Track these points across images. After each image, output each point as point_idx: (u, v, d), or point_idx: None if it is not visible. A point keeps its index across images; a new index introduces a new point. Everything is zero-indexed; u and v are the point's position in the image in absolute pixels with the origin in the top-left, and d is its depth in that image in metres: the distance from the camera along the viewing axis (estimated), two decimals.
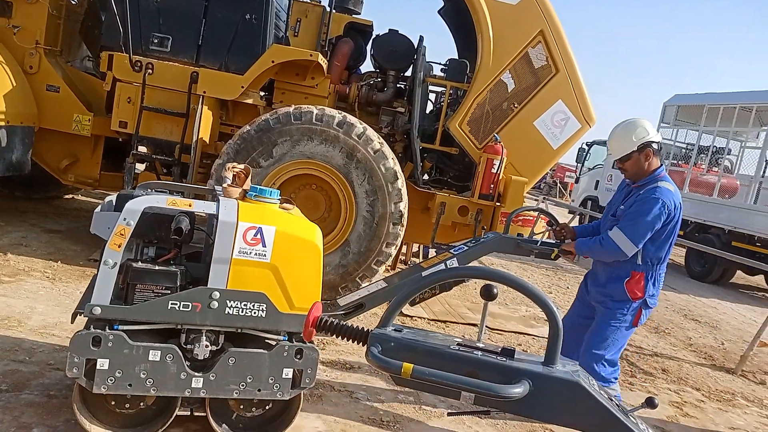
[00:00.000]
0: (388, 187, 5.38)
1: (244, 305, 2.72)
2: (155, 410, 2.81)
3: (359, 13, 7.02)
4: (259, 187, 2.98)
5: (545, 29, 6.06)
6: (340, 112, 5.54)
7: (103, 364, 2.59)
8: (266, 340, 2.82)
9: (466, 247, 3.94)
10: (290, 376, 2.82)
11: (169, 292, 2.67)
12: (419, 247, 8.09)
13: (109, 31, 5.68)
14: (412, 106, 6.18)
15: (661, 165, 3.58)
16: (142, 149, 5.73)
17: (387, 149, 5.52)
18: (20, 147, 5.65)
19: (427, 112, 6.76)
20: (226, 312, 2.70)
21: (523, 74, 6.16)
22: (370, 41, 6.73)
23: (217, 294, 2.68)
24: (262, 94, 6.06)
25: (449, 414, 2.55)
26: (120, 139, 6.00)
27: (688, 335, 7.32)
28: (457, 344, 1.80)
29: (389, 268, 6.75)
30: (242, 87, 5.66)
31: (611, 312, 3.59)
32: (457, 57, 6.89)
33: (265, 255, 2.72)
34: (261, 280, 2.74)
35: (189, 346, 2.72)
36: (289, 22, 6.52)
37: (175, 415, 2.78)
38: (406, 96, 6.56)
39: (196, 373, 2.70)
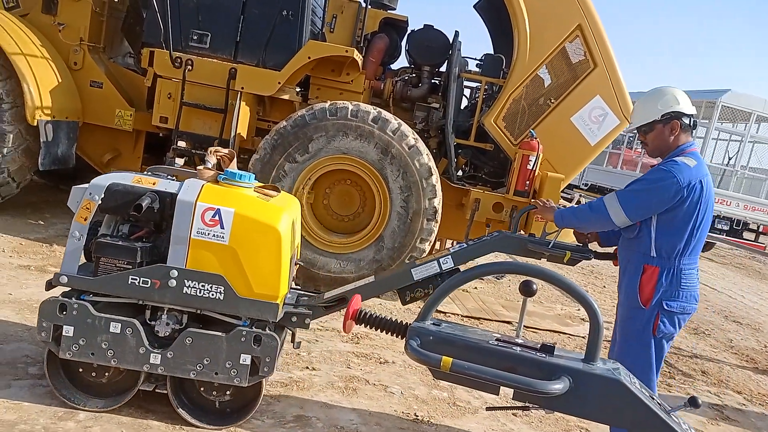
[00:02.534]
0: (423, 183, 5.38)
1: (202, 286, 2.76)
2: (119, 382, 2.93)
3: (394, 9, 7.02)
4: (234, 171, 2.99)
5: (583, 23, 5.96)
6: (375, 107, 5.56)
7: (68, 331, 2.74)
8: (225, 324, 2.85)
9: (464, 245, 3.67)
10: (248, 362, 2.82)
11: (130, 267, 2.76)
12: (453, 243, 8.06)
13: (150, 28, 5.80)
14: (446, 101, 6.15)
15: (692, 142, 3.10)
16: (182, 144, 5.84)
17: (421, 145, 5.52)
18: (65, 141, 5.82)
19: (462, 107, 6.73)
20: (184, 291, 2.75)
21: (560, 69, 6.08)
22: (405, 37, 6.74)
23: (175, 272, 2.74)
24: (298, 89, 6.12)
25: (487, 409, 2.53)
26: (160, 134, 6.12)
27: (729, 337, 7.14)
28: (496, 339, 1.80)
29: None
30: (279, 83, 5.72)
31: (622, 328, 3.12)
32: (492, 52, 6.83)
33: (223, 237, 2.75)
34: (219, 262, 2.76)
35: (152, 323, 2.83)
36: (325, 18, 6.55)
37: (137, 389, 2.88)
38: (440, 91, 6.54)
39: (154, 350, 2.79)
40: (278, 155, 5.36)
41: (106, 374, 2.89)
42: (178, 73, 5.67)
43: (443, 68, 6.61)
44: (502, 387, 1.68)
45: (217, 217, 2.74)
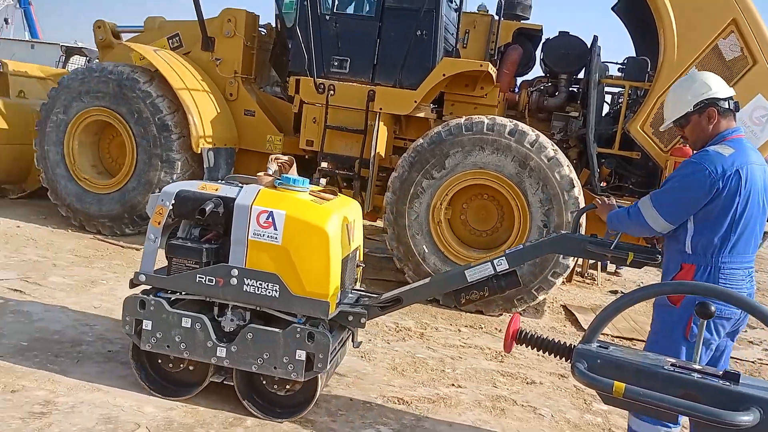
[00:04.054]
0: (564, 196, 5.22)
1: (260, 284, 2.94)
2: (193, 373, 3.15)
3: (528, 19, 6.92)
4: (290, 176, 3.14)
5: (738, 17, 5.49)
6: (511, 120, 5.51)
7: (147, 325, 3.03)
8: (281, 321, 2.99)
9: (521, 246, 3.39)
10: (303, 358, 2.93)
11: (197, 266, 2.99)
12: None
13: (295, 58, 6.23)
14: (586, 109, 5.94)
15: (736, 128, 2.75)
16: (326, 165, 6.16)
17: (561, 156, 5.37)
18: (224, 166, 6.38)
19: (604, 114, 6.46)
20: (244, 289, 2.95)
21: (713, 68, 5.60)
22: (540, 46, 6.61)
23: (235, 271, 2.95)
24: (432, 107, 6.22)
25: None
26: (306, 156, 6.51)
27: None
28: (671, 365, 1.70)
29: (565, 280, 6.52)
30: (415, 102, 5.86)
31: (652, 326, 2.82)
32: (635, 55, 6.49)
33: (276, 238, 2.91)
34: (274, 262, 2.92)
35: (219, 319, 3.04)
36: (458, 34, 6.62)
37: (208, 380, 3.09)
38: (579, 99, 6.33)
39: (221, 343, 2.98)
40: (416, 172, 5.48)
41: (181, 366, 3.15)
42: (322, 98, 6.01)
43: (581, 75, 6.39)
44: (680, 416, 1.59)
45: (270, 219, 2.91)
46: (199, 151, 6.06)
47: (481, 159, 5.37)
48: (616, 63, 6.43)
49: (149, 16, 7.45)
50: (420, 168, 5.47)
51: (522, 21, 6.85)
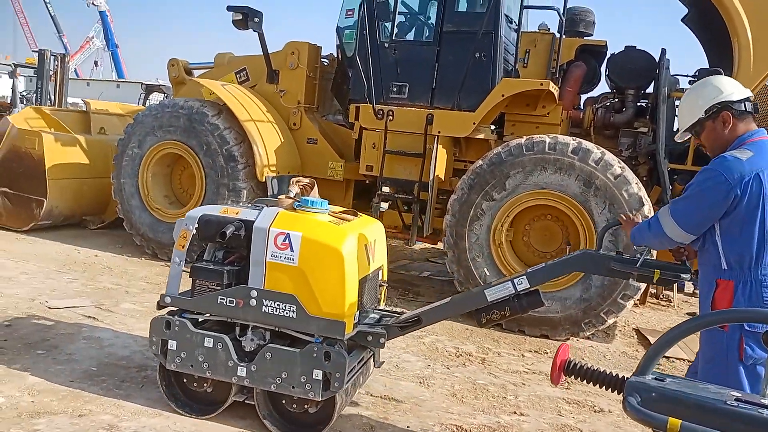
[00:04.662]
0: (633, 215, 4.97)
1: (278, 305, 2.99)
2: (216, 393, 3.22)
3: (591, 35, 6.74)
4: (309, 198, 3.18)
5: None
6: (574, 138, 5.35)
7: (172, 345, 3.13)
8: (300, 341, 3.03)
9: (542, 265, 3.24)
10: (320, 377, 2.95)
11: (219, 288, 3.07)
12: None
13: (356, 86, 6.33)
14: (656, 124, 5.69)
15: (757, 130, 2.59)
16: (386, 189, 6.18)
17: (629, 174, 5.15)
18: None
19: (675, 129, 6.15)
20: (263, 310, 3.01)
21: None
22: (605, 61, 6.42)
23: (254, 293, 3.02)
24: (492, 128, 6.14)
25: None
26: (366, 181, 6.57)
27: None
28: (736, 399, 1.56)
29: (638, 302, 6.20)
30: (474, 123, 5.80)
31: (703, 351, 2.63)
32: (708, 66, 6.18)
33: (293, 259, 2.96)
34: (291, 283, 2.97)
35: (240, 338, 3.10)
36: (518, 54, 6.53)
37: (231, 399, 3.14)
38: (648, 114, 6.07)
39: (241, 363, 3.04)
40: (475, 194, 5.40)
41: (205, 385, 3.21)
42: (381, 124, 6.06)
43: (650, 90, 6.14)
44: None
45: (287, 241, 2.96)
46: (264, 179, 6.23)
47: (543, 179, 5.23)
48: (687, 75, 6.13)
49: (219, 52, 7.80)
50: (480, 190, 5.39)
51: (585, 38, 6.68)
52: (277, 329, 3.08)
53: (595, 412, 3.85)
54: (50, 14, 43.26)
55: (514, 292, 3.09)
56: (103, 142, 7.70)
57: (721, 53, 5.90)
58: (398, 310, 3.49)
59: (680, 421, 1.46)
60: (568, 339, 5.26)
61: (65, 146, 7.27)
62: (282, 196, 3.30)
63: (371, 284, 3.35)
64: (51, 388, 3.39)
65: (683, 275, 2.91)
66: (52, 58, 12.27)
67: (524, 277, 3.07)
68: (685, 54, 8.00)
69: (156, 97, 18.16)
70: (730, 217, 2.52)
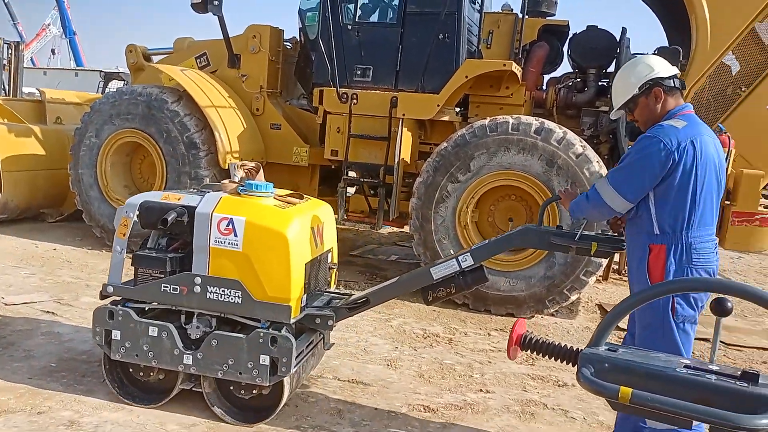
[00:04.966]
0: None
1: (223, 291, 2.97)
2: (163, 382, 3.19)
3: (553, 15, 6.76)
4: (253, 182, 3.13)
5: None
6: (537, 118, 5.38)
7: (116, 335, 3.09)
8: (247, 326, 3.01)
9: (486, 241, 3.34)
10: (267, 362, 2.94)
11: (162, 276, 3.03)
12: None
13: (319, 70, 6.25)
14: None
15: (685, 105, 2.77)
16: (352, 174, 6.14)
17: (591, 152, 5.21)
18: None
19: None
20: (208, 296, 2.98)
21: (750, 53, 5.39)
22: (567, 41, 6.45)
23: (198, 279, 2.99)
24: (457, 110, 6.14)
25: None
26: (332, 166, 6.51)
27: None
28: (685, 366, 1.59)
29: (600, 278, 6.31)
30: (438, 106, 5.79)
31: (639, 317, 2.76)
32: (667, 44, 6.26)
33: (237, 244, 2.93)
34: (236, 268, 2.94)
35: (186, 326, 3.07)
36: (481, 35, 6.52)
37: (178, 386, 3.12)
38: (609, 94, 6.12)
39: (187, 351, 3.02)
40: (440, 176, 5.40)
41: (152, 374, 3.18)
42: (345, 107, 6.00)
43: (611, 69, 6.20)
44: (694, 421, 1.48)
45: (230, 226, 2.93)
46: (227, 167, 6.12)
47: (507, 159, 5.25)
48: (647, 54, 6.20)
49: (178, 37, 7.61)
50: (445, 172, 5.40)
51: (547, 18, 6.70)
52: (222, 315, 3.06)
53: (559, 386, 3.91)
54: (3, 1, 41.74)
55: (458, 269, 3.11)
56: (59, 132, 7.48)
57: (680, 31, 5.98)
58: (348, 292, 3.48)
59: (631, 389, 1.48)
60: (533, 316, 5.33)
61: (19, 137, 7.02)
62: (226, 181, 3.25)
63: (320, 267, 3.34)
64: (8, 386, 3.29)
65: (620, 246, 3.02)
66: (6, 46, 11.82)
67: (468, 254, 3.11)
68: (646, 33, 8.11)
69: (115, 85, 17.71)
70: (666, 183, 2.61)
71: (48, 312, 4.47)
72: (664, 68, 2.78)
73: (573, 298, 5.26)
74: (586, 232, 3.07)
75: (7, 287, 4.96)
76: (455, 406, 3.53)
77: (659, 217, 2.67)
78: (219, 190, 3.16)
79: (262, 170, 3.43)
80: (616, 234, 3.11)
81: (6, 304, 4.54)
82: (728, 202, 5.17)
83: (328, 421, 3.25)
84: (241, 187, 3.13)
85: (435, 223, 5.43)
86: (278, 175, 6.73)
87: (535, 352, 1.75)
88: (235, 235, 2.93)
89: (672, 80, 2.76)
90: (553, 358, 1.73)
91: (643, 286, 2.68)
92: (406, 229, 6.11)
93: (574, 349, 1.67)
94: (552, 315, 5.41)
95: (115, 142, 6.44)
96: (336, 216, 6.24)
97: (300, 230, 3.02)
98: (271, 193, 3.18)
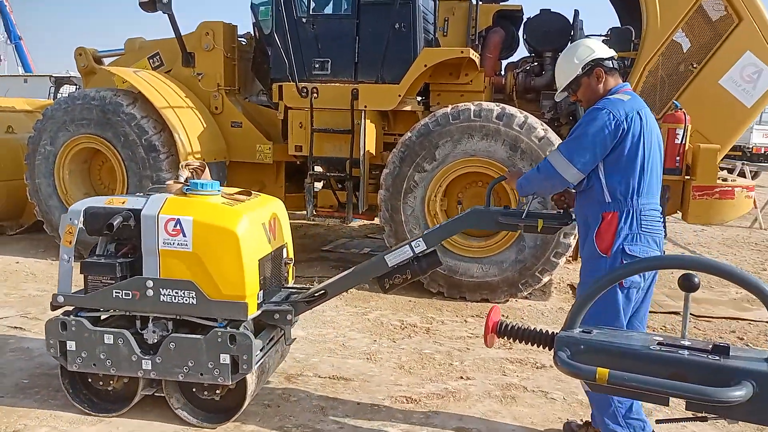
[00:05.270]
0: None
1: (176, 293, 2.94)
2: (124, 389, 3.17)
3: (507, 0, 6.82)
4: (198, 181, 3.11)
5: None
6: (498, 104, 5.43)
7: (71, 345, 3.04)
8: (204, 326, 2.99)
9: (437, 226, 3.43)
10: (228, 361, 2.93)
11: (113, 282, 2.99)
12: None
13: (276, 64, 6.18)
14: None
15: (624, 83, 2.94)
16: (318, 169, 6.11)
17: (552, 135, 5.30)
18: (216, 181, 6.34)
19: None
20: (161, 299, 2.95)
21: (698, 30, 5.51)
22: (522, 26, 6.52)
23: (150, 282, 2.95)
24: (419, 99, 6.15)
25: (657, 422, 2.27)
26: (298, 162, 6.46)
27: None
28: (658, 343, 1.64)
29: (570, 258, 6.44)
30: (399, 96, 5.79)
31: (582, 281, 2.88)
32: (619, 25, 6.38)
33: (186, 244, 2.91)
34: (188, 269, 2.92)
35: (142, 331, 3.04)
36: (437, 23, 6.53)
37: (139, 393, 3.09)
38: None
39: (145, 356, 2.99)
40: (407, 167, 5.42)
41: (111, 382, 3.15)
42: (306, 102, 5.95)
43: None
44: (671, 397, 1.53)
45: (178, 227, 2.91)
46: None
47: (471, 146, 5.30)
48: (600, 35, 6.30)
49: (129, 38, 7.42)
50: (411, 162, 5.41)
51: (501, 3, 6.75)
52: (178, 317, 3.03)
53: (537, 368, 3.99)
54: None
55: (412, 255, 3.14)
56: (11, 141, 7.21)
57: (630, 12, 6.08)
58: (305, 286, 3.46)
59: (608, 370, 1.52)
60: (507, 300, 5.41)
61: None
62: (170, 182, 3.21)
63: (275, 263, 3.32)
64: None
65: (565, 222, 3.11)
66: None
67: (420, 239, 3.14)
68: (598, 15, 8.25)
69: (67, 90, 17.16)
70: (616, 152, 2.72)
71: (15, 327, 4.35)
72: (603, 50, 2.93)
73: (545, 280, 5.36)
74: (533, 210, 3.17)
75: None
76: (437, 395, 3.57)
77: (610, 186, 2.76)
78: (165, 192, 3.12)
79: (207, 169, 3.39)
80: (560, 210, 3.20)
81: None
82: (688, 177, 5.32)
83: (312, 419, 3.25)
84: (187, 187, 3.10)
85: (405, 214, 5.45)
86: (243, 173, 6.68)
87: (511, 339, 1.78)
88: (184, 236, 2.91)
89: (611, 61, 2.91)
90: (529, 344, 1.77)
91: (591, 250, 2.78)
92: (377, 221, 6.12)
93: (550, 333, 1.71)
94: (526, 298, 5.50)
95: (72, 149, 6.26)
96: (305, 212, 6.28)
97: (250, 226, 3.00)
98: (218, 191, 3.15)
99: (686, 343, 1.64)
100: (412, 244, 3.15)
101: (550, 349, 1.70)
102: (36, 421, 3.09)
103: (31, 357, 3.85)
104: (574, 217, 3.13)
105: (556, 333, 1.68)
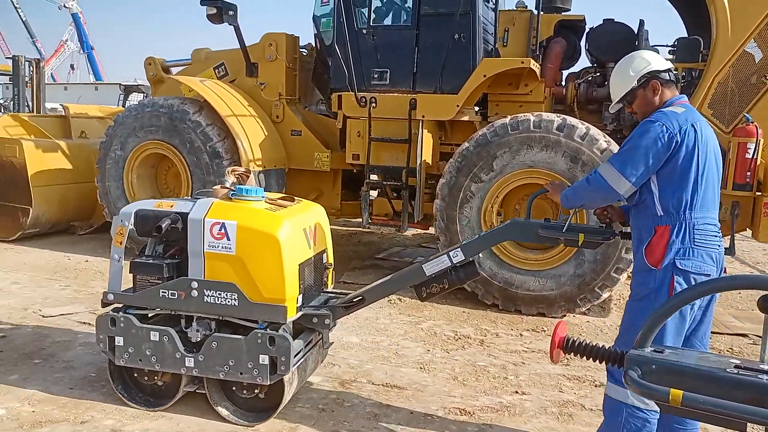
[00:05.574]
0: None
1: (219, 294, 3.03)
2: (168, 385, 3.28)
3: (569, 10, 6.72)
4: (243, 186, 3.19)
5: None
6: (558, 115, 5.36)
7: (119, 341, 3.18)
8: (245, 327, 3.07)
9: (476, 237, 3.37)
10: (267, 362, 3.01)
11: (160, 282, 3.09)
12: None
13: (336, 75, 6.29)
14: None
15: (680, 95, 2.84)
16: (374, 177, 6.16)
17: (615, 147, 5.17)
18: (276, 188, 6.49)
19: None
20: (206, 300, 3.05)
21: None
22: (584, 36, 6.41)
23: (195, 284, 3.05)
24: (477, 109, 6.13)
25: None
26: (354, 170, 6.54)
27: None
28: (735, 366, 1.57)
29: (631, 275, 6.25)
30: (457, 106, 5.79)
31: (633, 292, 2.78)
32: (686, 35, 6.19)
33: (230, 248, 3.00)
34: (231, 271, 3.02)
35: (186, 330, 3.14)
36: (497, 33, 6.50)
37: (182, 389, 3.20)
38: None
39: (188, 354, 3.09)
40: (463, 177, 5.40)
41: (156, 377, 3.26)
42: (364, 111, 6.03)
43: None
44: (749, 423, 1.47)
45: (223, 231, 3.00)
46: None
47: (530, 157, 5.24)
48: (666, 45, 6.15)
49: (196, 48, 7.70)
50: (468, 172, 5.39)
51: (563, 13, 6.66)
52: (221, 318, 3.12)
53: (595, 386, 3.89)
54: (21, 19, 42.48)
55: (450, 264, 3.15)
56: (84, 146, 7.61)
57: (699, 21, 5.90)
58: (345, 291, 3.51)
59: (682, 391, 1.47)
60: (565, 316, 5.30)
61: (47, 152, 7.18)
62: (217, 187, 3.31)
63: (315, 268, 3.38)
64: (51, 397, 3.37)
65: (608, 237, 3.06)
66: (27, 63, 12.02)
67: (459, 249, 3.15)
68: (664, 24, 8.02)
69: (136, 98, 17.93)
70: (669, 165, 2.67)
71: (84, 323, 4.55)
72: (659, 62, 2.88)
73: (604, 296, 5.23)
74: (574, 223, 3.09)
75: (43, 300, 5.07)
76: (492, 409, 3.52)
77: (662, 199, 2.70)
78: (211, 196, 3.23)
79: (252, 175, 3.51)
80: (603, 225, 3.12)
81: (44, 316, 4.64)
82: (759, 193, 5.10)
83: (365, 425, 3.27)
84: (232, 192, 3.20)
85: (461, 224, 5.43)
86: (301, 181, 6.81)
87: (578, 355, 1.75)
88: (228, 239, 3.00)
89: (667, 73, 2.85)
90: (597, 361, 1.73)
91: (641, 262, 2.72)
92: (431, 230, 6.11)
93: (620, 351, 1.67)
94: (584, 314, 5.38)
95: (140, 154, 6.54)
96: (361, 219, 6.34)
97: (291, 232, 3.07)
98: (262, 197, 3.24)
99: (765, 367, 1.57)
100: (450, 254, 3.15)
101: (619, 368, 1.65)
102: (102, 413, 3.23)
103: (98, 352, 3.99)
104: (616, 231, 3.08)
105: (627, 351, 1.64)
